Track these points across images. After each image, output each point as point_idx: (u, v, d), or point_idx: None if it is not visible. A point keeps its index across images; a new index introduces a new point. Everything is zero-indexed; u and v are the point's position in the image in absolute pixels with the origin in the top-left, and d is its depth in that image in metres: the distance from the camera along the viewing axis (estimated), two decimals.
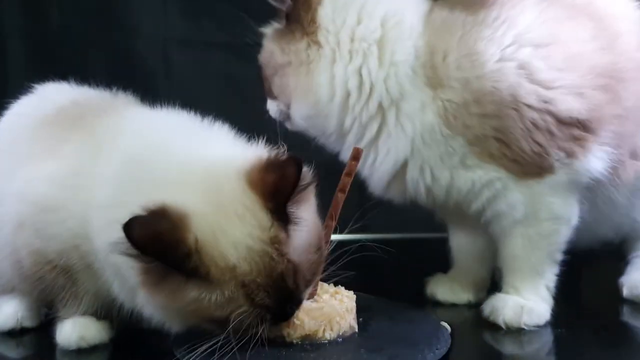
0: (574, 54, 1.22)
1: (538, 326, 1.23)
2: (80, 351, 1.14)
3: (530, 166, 1.21)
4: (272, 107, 1.39)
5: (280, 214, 0.98)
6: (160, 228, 0.92)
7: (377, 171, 1.29)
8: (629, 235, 1.42)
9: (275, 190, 0.98)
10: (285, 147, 1.06)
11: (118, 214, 0.93)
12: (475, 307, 1.35)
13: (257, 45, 1.38)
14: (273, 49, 1.33)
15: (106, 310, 1.15)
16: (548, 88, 1.20)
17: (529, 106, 1.19)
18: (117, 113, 1.18)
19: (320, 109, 1.28)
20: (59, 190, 1.09)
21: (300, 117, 1.32)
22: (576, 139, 1.20)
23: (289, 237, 0.99)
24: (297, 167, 0.98)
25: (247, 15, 1.39)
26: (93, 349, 1.15)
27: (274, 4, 1.31)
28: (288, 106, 1.34)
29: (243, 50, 1.40)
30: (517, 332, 1.23)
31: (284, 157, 1.01)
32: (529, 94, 1.19)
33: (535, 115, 1.19)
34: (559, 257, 1.27)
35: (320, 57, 1.27)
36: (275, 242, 0.97)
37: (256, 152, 1.05)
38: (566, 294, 1.30)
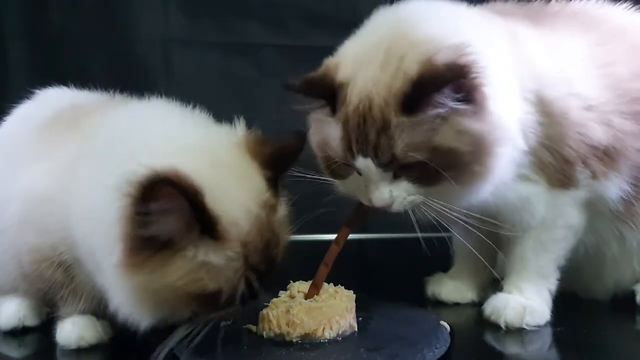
0: (607, 80, 1.23)
1: (538, 326, 1.24)
2: (80, 351, 1.15)
3: (563, 176, 1.22)
4: None
5: (274, 185, 1.01)
6: (182, 181, 0.91)
7: None
8: None
9: (275, 159, 1.01)
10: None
11: (97, 194, 0.95)
12: (474, 306, 1.35)
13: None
14: None
15: (104, 307, 1.14)
16: (586, 109, 1.21)
17: (573, 119, 1.20)
18: (106, 110, 1.18)
19: None
20: (49, 184, 1.11)
21: None
22: (600, 160, 1.22)
23: (277, 210, 1.01)
24: (302, 139, 1.04)
25: (246, 15, 1.38)
26: (93, 348, 1.15)
27: None
28: None
29: (243, 50, 1.40)
30: (517, 332, 1.23)
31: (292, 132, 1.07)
32: (574, 108, 1.20)
33: (576, 128, 1.20)
34: (563, 263, 1.28)
35: None
36: (267, 208, 0.99)
37: (244, 129, 1.07)
38: (566, 293, 1.30)
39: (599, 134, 1.21)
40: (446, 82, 1.01)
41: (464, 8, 1.20)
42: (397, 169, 1.08)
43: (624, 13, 1.35)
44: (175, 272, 0.94)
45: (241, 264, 0.96)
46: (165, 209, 0.91)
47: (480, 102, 1.06)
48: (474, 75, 1.03)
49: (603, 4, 1.35)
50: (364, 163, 1.08)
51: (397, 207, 1.10)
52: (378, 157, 1.06)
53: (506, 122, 1.11)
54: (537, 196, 1.23)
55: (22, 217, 1.14)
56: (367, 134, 1.06)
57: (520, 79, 1.18)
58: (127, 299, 0.99)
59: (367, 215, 1.18)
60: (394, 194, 1.09)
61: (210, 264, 0.94)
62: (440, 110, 1.04)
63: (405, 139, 1.04)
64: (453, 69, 1.01)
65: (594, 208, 1.26)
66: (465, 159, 1.06)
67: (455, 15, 1.17)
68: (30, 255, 1.14)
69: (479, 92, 1.05)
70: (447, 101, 1.03)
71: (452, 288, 1.40)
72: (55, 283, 1.14)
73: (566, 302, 1.29)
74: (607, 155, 1.22)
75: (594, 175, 1.23)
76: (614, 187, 1.24)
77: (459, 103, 1.04)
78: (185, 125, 1.05)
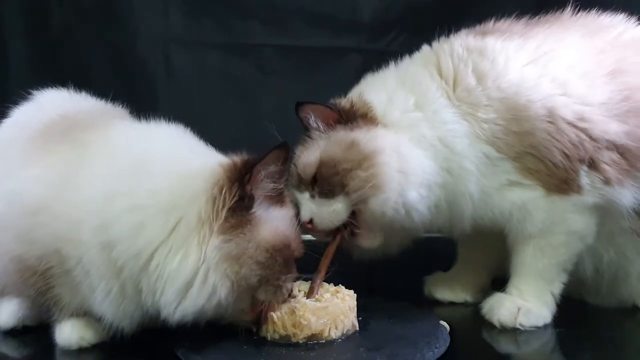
0: (617, 86, 1.23)
1: (536, 327, 1.24)
2: (80, 351, 1.15)
3: (558, 181, 1.22)
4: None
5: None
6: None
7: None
8: None
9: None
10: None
11: (125, 202, 1.02)
12: (474, 306, 1.35)
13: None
14: None
15: (90, 314, 1.15)
16: (586, 105, 1.21)
17: (567, 117, 1.20)
18: (103, 126, 1.19)
19: None
20: (42, 193, 1.09)
21: None
22: (616, 164, 1.21)
23: None
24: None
25: (246, 15, 1.38)
26: (93, 348, 1.15)
27: None
28: None
29: (243, 50, 1.40)
30: (517, 332, 1.23)
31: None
32: (565, 107, 1.21)
33: (573, 128, 1.20)
34: (569, 266, 1.28)
35: None
36: None
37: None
38: (565, 294, 1.30)
39: (615, 127, 1.20)
40: (313, 114, 1.29)
41: (390, 72, 1.37)
42: (309, 189, 1.27)
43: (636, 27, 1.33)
44: (263, 228, 1.07)
45: (294, 222, 1.14)
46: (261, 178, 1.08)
47: (356, 121, 1.27)
48: (353, 107, 1.29)
49: (611, 16, 1.34)
50: (293, 193, 1.29)
51: (319, 221, 1.26)
52: (293, 182, 1.28)
53: (397, 138, 1.25)
54: (534, 203, 1.23)
55: (5, 224, 1.13)
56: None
57: (469, 93, 1.24)
58: (208, 275, 1.02)
59: (337, 238, 1.29)
60: (313, 210, 1.26)
61: (282, 217, 1.11)
62: (318, 131, 1.29)
63: (302, 159, 1.29)
64: (329, 106, 1.29)
65: (610, 218, 1.25)
66: (345, 165, 1.23)
67: (378, 78, 1.36)
68: (13, 264, 1.13)
69: (356, 116, 1.27)
70: (317, 124, 1.29)
71: (446, 287, 1.41)
72: (39, 291, 1.14)
73: (566, 302, 1.29)
74: (625, 157, 1.21)
75: (607, 181, 1.21)
76: (630, 195, 1.23)
77: (334, 125, 1.28)
78: (200, 151, 1.16)
